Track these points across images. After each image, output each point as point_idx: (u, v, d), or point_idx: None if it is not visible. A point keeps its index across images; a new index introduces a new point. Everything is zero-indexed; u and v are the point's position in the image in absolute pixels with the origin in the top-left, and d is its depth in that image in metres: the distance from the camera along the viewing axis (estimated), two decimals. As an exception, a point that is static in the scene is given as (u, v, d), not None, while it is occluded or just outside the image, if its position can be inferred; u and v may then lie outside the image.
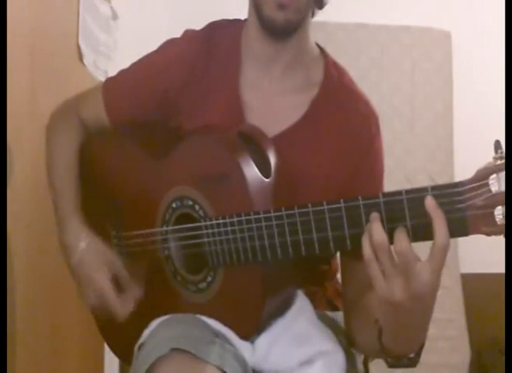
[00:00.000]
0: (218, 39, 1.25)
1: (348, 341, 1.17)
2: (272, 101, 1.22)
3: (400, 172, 2.45)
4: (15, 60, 1.31)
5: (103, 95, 1.28)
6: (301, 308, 1.13)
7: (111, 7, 2.03)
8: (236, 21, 1.28)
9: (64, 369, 1.66)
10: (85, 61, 1.80)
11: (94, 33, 1.88)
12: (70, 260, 1.21)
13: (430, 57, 2.55)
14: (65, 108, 1.34)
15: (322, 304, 1.25)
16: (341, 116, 1.21)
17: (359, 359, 1.21)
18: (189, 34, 1.27)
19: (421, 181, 2.40)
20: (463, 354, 2.39)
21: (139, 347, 1.07)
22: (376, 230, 0.89)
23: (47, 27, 1.56)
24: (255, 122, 1.19)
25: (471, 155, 2.13)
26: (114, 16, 2.05)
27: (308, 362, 1.09)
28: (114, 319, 1.17)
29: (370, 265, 0.90)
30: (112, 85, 1.31)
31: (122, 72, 1.31)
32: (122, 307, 1.16)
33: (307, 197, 1.05)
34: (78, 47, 1.77)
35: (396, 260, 0.88)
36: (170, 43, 1.27)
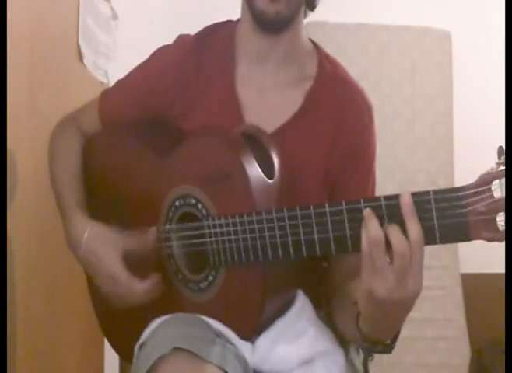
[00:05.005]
0: (211, 40, 1.26)
1: (331, 325, 1.17)
2: (268, 96, 1.23)
3: (400, 172, 2.44)
4: (15, 60, 1.31)
5: (98, 108, 1.31)
6: (301, 308, 1.13)
7: (111, 7, 2.03)
8: (230, 21, 1.29)
9: (64, 368, 1.66)
10: (85, 61, 1.80)
11: (94, 33, 1.88)
12: (78, 253, 1.18)
13: (430, 57, 2.55)
14: (66, 121, 1.36)
15: (322, 303, 1.25)
16: (335, 106, 1.22)
17: (359, 359, 1.21)
18: (181, 39, 1.28)
19: (421, 181, 2.39)
20: (463, 354, 2.38)
21: (140, 347, 1.07)
22: (372, 224, 0.89)
23: (47, 27, 1.56)
24: (253, 118, 1.20)
25: (471, 154, 2.14)
26: (114, 16, 2.05)
27: (308, 362, 1.09)
28: (132, 299, 1.13)
29: (365, 259, 0.90)
30: (107, 97, 1.34)
31: (117, 83, 1.34)
32: (139, 283, 1.13)
33: (307, 190, 1.05)
34: (78, 47, 1.77)
35: (392, 260, 0.88)
36: (161, 51, 1.29)
